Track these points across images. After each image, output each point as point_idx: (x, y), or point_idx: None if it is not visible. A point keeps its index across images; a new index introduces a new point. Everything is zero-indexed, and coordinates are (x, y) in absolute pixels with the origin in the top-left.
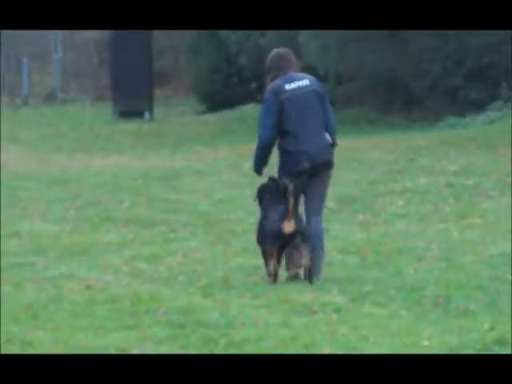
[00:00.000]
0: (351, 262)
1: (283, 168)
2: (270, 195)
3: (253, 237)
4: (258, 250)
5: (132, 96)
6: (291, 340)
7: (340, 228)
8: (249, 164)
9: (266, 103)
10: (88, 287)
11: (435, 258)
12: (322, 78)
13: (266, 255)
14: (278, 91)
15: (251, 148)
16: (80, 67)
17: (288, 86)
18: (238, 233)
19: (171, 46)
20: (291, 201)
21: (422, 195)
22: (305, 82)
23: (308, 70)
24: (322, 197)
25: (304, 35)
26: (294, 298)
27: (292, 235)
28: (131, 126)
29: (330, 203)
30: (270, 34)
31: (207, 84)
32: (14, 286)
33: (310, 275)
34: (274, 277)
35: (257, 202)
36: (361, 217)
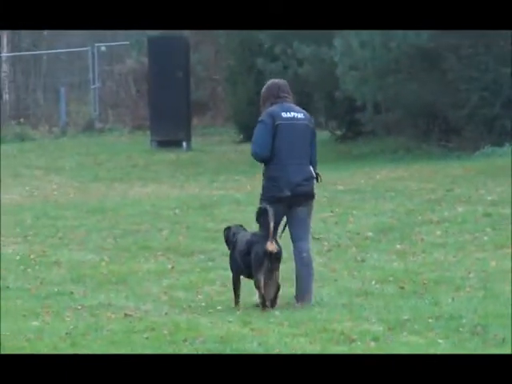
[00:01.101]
0: (389, 291)
1: (265, 193)
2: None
3: (291, 265)
4: (294, 278)
5: (170, 126)
6: None
7: (378, 257)
8: None
9: (262, 124)
10: (126, 316)
11: (473, 287)
12: (360, 108)
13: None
14: (275, 117)
15: None
16: (118, 97)
17: (284, 114)
18: None
19: (209, 76)
20: (271, 224)
21: (459, 225)
22: (300, 115)
23: (346, 100)
24: (305, 224)
25: (342, 66)
26: (333, 327)
27: (277, 255)
28: (169, 155)
29: (316, 234)
30: (308, 64)
31: (245, 114)
32: (54, 314)
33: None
34: (263, 305)
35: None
36: (398, 246)
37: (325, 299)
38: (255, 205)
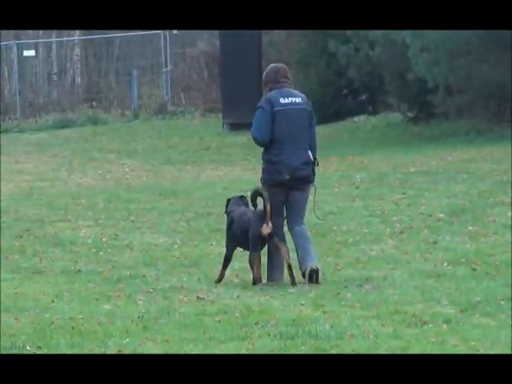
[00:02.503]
0: (461, 272)
1: (264, 176)
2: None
3: (364, 248)
4: (366, 260)
5: (242, 108)
6: (401, 351)
7: (450, 239)
8: (359, 176)
9: (261, 110)
10: (198, 299)
11: None
12: (431, 90)
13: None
14: (273, 103)
15: (362, 160)
16: (190, 80)
17: (282, 100)
18: (348, 244)
19: (281, 59)
20: (268, 206)
21: None
22: (298, 100)
23: (418, 81)
24: (302, 208)
25: (413, 48)
26: (405, 309)
27: (270, 236)
28: (241, 138)
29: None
30: (379, 46)
31: (317, 96)
32: (126, 298)
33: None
34: (258, 280)
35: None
36: (470, 228)
37: (397, 281)
38: (328, 187)
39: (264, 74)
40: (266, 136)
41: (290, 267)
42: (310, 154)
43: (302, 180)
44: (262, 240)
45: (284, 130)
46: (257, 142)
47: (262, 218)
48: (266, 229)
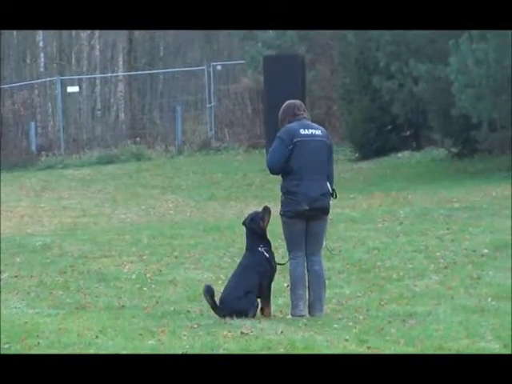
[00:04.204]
0: (505, 308)
1: (283, 208)
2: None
3: (408, 283)
4: (410, 296)
5: None
6: None
7: (494, 274)
8: (403, 211)
9: (279, 139)
10: (242, 334)
11: None
12: (475, 126)
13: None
14: (293, 133)
15: (406, 195)
16: (234, 116)
17: (303, 131)
18: (392, 279)
19: (325, 95)
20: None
21: None
22: (317, 132)
23: (461, 117)
24: (320, 239)
25: (457, 84)
26: (449, 345)
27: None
28: None
29: (327, 243)
30: (423, 82)
31: (361, 132)
32: (170, 333)
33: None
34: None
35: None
36: None
37: (441, 316)
38: (371, 223)
39: (281, 110)
40: (280, 165)
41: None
42: (329, 185)
43: (321, 210)
44: None
45: (303, 161)
46: (270, 170)
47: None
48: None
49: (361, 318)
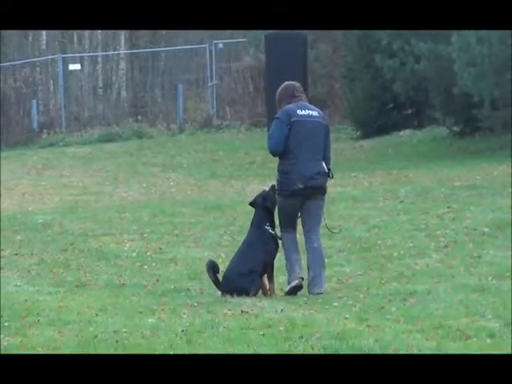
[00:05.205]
0: (506, 287)
1: (279, 187)
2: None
3: (409, 262)
4: (410, 274)
5: None
6: None
7: (494, 253)
8: (404, 189)
9: (278, 120)
10: (243, 313)
11: None
12: (477, 104)
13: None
14: (291, 114)
15: (407, 174)
16: (235, 94)
17: (300, 112)
18: (393, 258)
19: (327, 73)
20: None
21: None
22: (314, 113)
23: (463, 96)
24: (317, 216)
25: (459, 62)
26: (449, 323)
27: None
28: None
29: (327, 222)
30: (425, 60)
31: (363, 111)
32: (170, 311)
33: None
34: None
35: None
36: None
37: (441, 295)
38: (372, 201)
39: (279, 90)
40: (281, 146)
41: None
42: (324, 164)
43: (316, 190)
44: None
45: (299, 141)
46: (271, 151)
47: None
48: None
49: (361, 296)
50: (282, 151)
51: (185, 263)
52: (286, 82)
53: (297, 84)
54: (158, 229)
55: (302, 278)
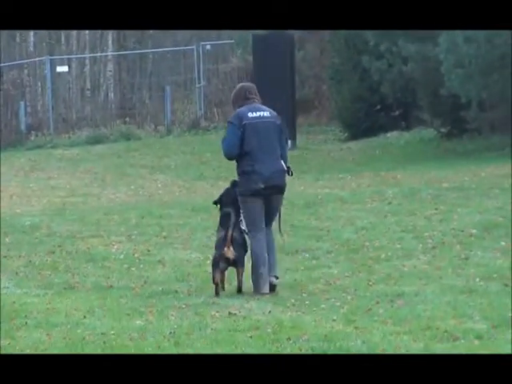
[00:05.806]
0: (493, 288)
1: (240, 188)
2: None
3: (397, 263)
4: (398, 276)
5: None
6: None
7: (482, 255)
8: (392, 191)
9: (231, 125)
10: (230, 314)
11: None
12: (464, 106)
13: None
14: (242, 117)
15: (394, 175)
16: (223, 96)
17: (251, 114)
18: (381, 259)
19: (314, 74)
20: (230, 231)
21: None
22: (266, 114)
23: (451, 97)
24: (275, 212)
25: (446, 64)
26: (436, 325)
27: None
28: None
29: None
30: (412, 62)
31: (350, 112)
32: (158, 313)
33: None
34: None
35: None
36: (503, 243)
37: (429, 297)
38: (360, 203)
39: (233, 93)
40: (235, 149)
41: (239, 290)
42: (283, 163)
43: (276, 188)
44: (225, 261)
45: (255, 142)
46: (226, 155)
47: (223, 241)
48: (228, 252)
49: (349, 298)
50: (236, 154)
51: (172, 265)
52: (241, 84)
53: (250, 85)
54: (145, 230)
55: (276, 277)
